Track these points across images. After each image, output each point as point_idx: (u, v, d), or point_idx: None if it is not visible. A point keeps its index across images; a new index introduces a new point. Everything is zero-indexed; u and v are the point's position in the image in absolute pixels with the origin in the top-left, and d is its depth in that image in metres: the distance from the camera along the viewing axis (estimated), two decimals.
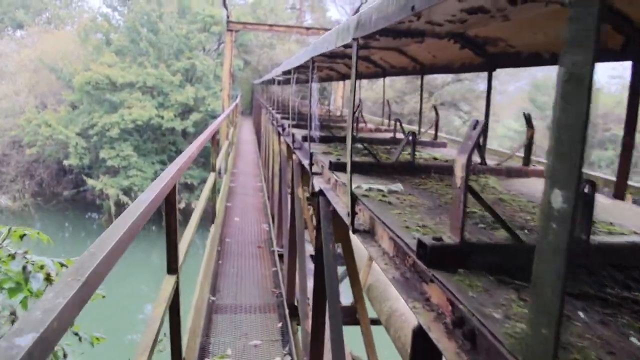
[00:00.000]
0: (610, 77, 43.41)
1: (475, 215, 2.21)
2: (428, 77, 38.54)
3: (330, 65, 9.41)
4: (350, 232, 2.47)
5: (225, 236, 9.29)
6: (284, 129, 7.63)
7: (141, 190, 31.51)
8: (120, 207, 32.09)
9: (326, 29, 19.20)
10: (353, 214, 2.44)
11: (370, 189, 2.64)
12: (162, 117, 32.24)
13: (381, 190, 2.61)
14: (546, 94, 41.87)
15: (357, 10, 21.32)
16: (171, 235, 3.54)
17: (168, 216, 3.50)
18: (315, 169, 4.17)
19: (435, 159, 3.86)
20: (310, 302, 5.35)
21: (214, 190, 7.67)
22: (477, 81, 41.58)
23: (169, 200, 3.45)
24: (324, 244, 3.40)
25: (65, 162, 33.05)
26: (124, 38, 35.04)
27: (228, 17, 18.38)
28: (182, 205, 32.85)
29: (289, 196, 7.99)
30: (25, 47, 42.87)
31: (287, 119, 8.18)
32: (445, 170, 3.31)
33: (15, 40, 47.93)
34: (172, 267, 3.60)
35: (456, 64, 4.84)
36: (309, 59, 4.26)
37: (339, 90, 19.76)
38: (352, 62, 2.43)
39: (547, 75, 42.89)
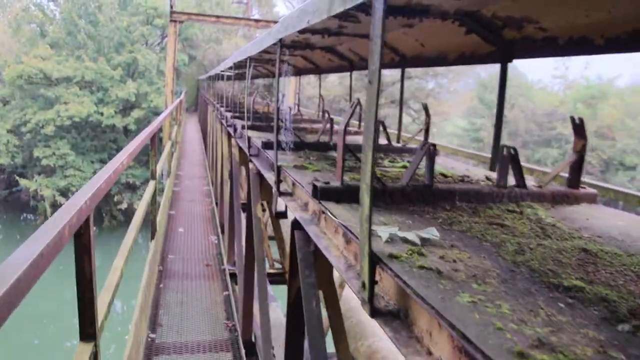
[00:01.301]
0: (553, 77, 44.07)
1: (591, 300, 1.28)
2: None
3: (286, 60, 8.40)
4: (367, 314, 1.50)
5: (168, 252, 8.13)
6: (235, 130, 6.58)
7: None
8: (57, 208, 30.13)
9: (276, 22, 18.12)
10: (372, 285, 1.47)
11: (392, 239, 1.69)
12: (102, 114, 30.47)
13: (411, 242, 1.66)
14: (493, 92, 42.08)
15: None
16: (85, 288, 2.49)
17: (80, 262, 2.45)
18: (283, 186, 3.18)
19: (444, 176, 2.92)
20: (276, 348, 4.38)
21: (154, 202, 6.56)
22: (426, 79, 41.34)
23: (81, 239, 2.41)
24: (305, 297, 2.43)
25: None
26: (60, 30, 32.99)
27: (172, 6, 17.06)
28: (124, 205, 31.30)
29: (241, 209, 6.97)
30: None
31: (240, 118, 7.13)
32: (472, 196, 2.38)
33: None
34: (88, 331, 2.55)
35: (453, 54, 3.93)
36: (275, 41, 3.26)
37: (290, 86, 18.71)
38: (373, 35, 1.46)
39: (492, 74, 43.09)
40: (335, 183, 2.30)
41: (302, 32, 3.26)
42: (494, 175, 3.25)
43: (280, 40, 3.13)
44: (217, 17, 19.14)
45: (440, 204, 2.30)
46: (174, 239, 8.77)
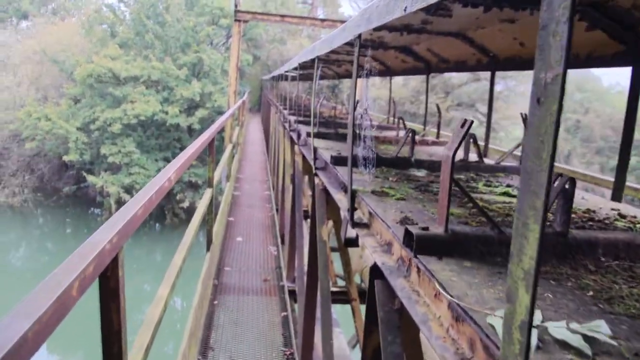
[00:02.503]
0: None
1: None
2: (444, 76, 36.77)
3: (351, 59, 7.85)
4: None
5: (225, 264, 7.69)
6: (299, 137, 6.06)
7: None
8: (122, 205, 30.67)
9: (342, 21, 17.60)
10: None
11: (542, 340, 1.10)
12: (167, 113, 30.77)
13: (575, 349, 1.07)
14: (566, 95, 40.20)
15: None
16: (112, 342, 2.00)
17: (106, 309, 1.96)
18: (357, 213, 2.62)
19: (573, 212, 2.26)
20: None
21: (211, 211, 6.13)
22: (495, 80, 39.82)
23: (108, 281, 1.92)
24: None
25: (65, 158, 31.58)
26: (129, 30, 33.59)
27: (236, 5, 16.79)
28: (185, 204, 31.54)
29: (303, 220, 6.45)
30: (29, 38, 41.57)
31: (304, 123, 6.60)
32: (621, 249, 1.73)
33: (19, 31, 46.61)
34: None
35: None
36: (352, 38, 2.70)
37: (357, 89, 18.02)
38: (547, 22, 0.88)
39: None
40: (437, 229, 1.71)
41: (379, 28, 2.70)
42: (622, 208, 2.57)
43: (359, 36, 2.56)
44: (282, 16, 18.79)
45: (580, 261, 1.68)
46: (231, 249, 8.33)
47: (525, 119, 3.56)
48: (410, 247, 1.69)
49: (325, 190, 3.95)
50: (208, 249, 6.36)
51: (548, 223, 1.90)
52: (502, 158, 3.70)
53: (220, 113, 30.23)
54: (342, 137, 5.11)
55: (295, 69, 6.77)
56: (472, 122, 1.60)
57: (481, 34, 4.00)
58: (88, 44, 35.66)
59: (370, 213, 2.43)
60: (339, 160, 3.41)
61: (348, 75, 11.27)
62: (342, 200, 2.97)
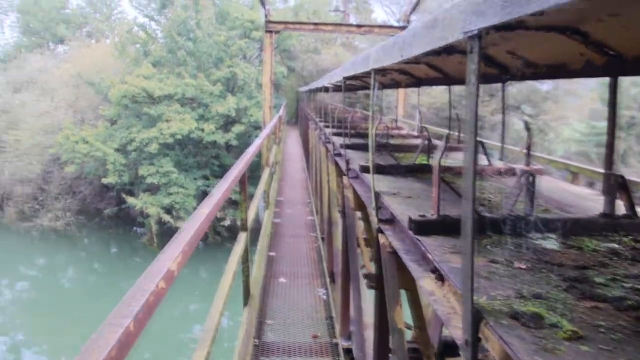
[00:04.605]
0: None
1: None
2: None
3: (403, 67, 6.74)
4: None
5: (266, 315, 6.57)
6: (348, 166, 4.96)
7: (183, 208, 29.51)
8: (163, 225, 30.28)
9: (381, 26, 16.54)
10: None
11: None
12: (203, 130, 30.17)
13: None
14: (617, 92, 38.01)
15: (414, 7, 18.40)
16: None
17: None
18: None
19: None
20: None
21: (247, 259, 5.09)
22: (541, 80, 37.96)
23: None
24: None
25: (104, 180, 31.27)
26: (162, 48, 33.22)
27: (267, 16, 15.86)
28: (227, 222, 30.82)
29: (358, 265, 5.34)
30: (65, 62, 41.89)
31: (353, 147, 5.49)
32: None
33: (56, 56, 47.11)
34: None
35: None
36: (472, 33, 1.60)
37: (400, 97, 16.89)
38: None
39: None
40: None
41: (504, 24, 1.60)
42: None
43: (480, 33, 1.47)
44: (315, 24, 17.76)
45: None
46: (274, 294, 7.14)
47: None
48: None
49: (395, 255, 2.85)
50: (246, 303, 5.33)
51: None
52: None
53: (257, 128, 29.49)
54: (410, 173, 3.97)
55: (340, 82, 5.69)
56: None
57: (604, 26, 2.85)
58: (122, 64, 35.53)
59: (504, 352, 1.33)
60: (426, 227, 2.26)
61: (392, 85, 10.14)
62: (437, 298, 1.87)
